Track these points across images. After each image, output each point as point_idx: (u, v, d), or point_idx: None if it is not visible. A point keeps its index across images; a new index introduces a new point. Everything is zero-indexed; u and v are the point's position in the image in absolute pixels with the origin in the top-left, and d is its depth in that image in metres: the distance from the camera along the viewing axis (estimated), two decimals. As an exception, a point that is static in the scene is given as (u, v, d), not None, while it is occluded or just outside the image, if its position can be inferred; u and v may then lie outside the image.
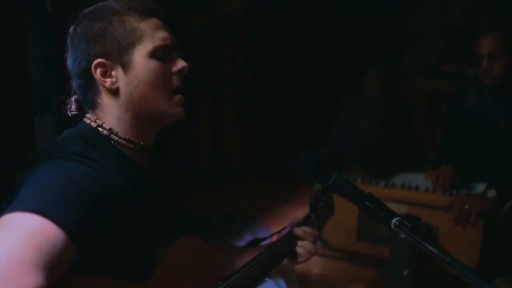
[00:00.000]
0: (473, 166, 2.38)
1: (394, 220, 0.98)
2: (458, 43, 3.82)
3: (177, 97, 1.15)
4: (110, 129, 1.11)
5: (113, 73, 1.10)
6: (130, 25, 1.10)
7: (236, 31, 3.85)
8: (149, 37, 1.10)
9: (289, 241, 1.47)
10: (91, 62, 1.09)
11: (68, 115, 1.19)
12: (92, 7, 1.14)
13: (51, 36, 2.01)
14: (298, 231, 1.48)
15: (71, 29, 1.14)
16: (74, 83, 1.15)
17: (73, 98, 1.18)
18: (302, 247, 1.46)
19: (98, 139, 1.10)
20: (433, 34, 3.94)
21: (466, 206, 2.15)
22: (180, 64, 1.15)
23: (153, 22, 1.12)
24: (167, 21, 1.17)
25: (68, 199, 0.90)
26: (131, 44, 1.09)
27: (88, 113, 1.15)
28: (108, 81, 1.10)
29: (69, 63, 1.14)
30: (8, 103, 1.86)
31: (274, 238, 1.54)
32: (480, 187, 2.35)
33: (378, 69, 3.85)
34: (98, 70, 1.09)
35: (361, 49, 3.89)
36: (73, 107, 1.18)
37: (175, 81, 1.15)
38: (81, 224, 0.89)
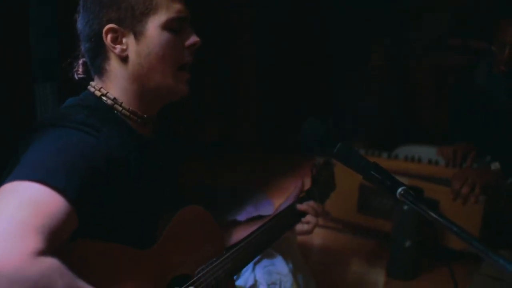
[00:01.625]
0: (480, 141, 2.36)
1: (399, 190, 0.98)
2: (465, 17, 3.77)
3: (183, 74, 1.14)
4: (114, 99, 1.10)
5: (124, 40, 1.08)
6: None
7: (241, 11, 3.82)
8: (165, 8, 1.09)
9: (291, 214, 1.48)
10: (103, 27, 1.07)
11: (72, 80, 1.17)
12: None
13: (52, 5, 1.98)
14: (302, 206, 1.49)
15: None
16: (83, 46, 1.14)
17: (80, 61, 1.17)
18: (304, 220, 1.48)
19: (101, 109, 1.09)
20: (440, 8, 3.89)
21: (470, 180, 2.14)
22: (193, 39, 1.14)
23: None
24: None
25: (70, 168, 0.90)
26: (146, 12, 1.08)
27: (93, 80, 1.14)
28: (118, 48, 1.08)
29: (80, 25, 1.12)
30: (8, 73, 1.84)
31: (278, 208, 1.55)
32: (486, 160, 2.34)
33: (384, 43, 3.82)
34: (109, 36, 1.08)
35: (367, 23, 3.84)
36: (80, 70, 1.17)
37: (185, 56, 1.14)
38: (83, 193, 0.89)
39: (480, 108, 2.35)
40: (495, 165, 2.19)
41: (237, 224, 1.56)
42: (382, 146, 2.63)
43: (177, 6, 1.11)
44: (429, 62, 3.90)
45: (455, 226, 0.90)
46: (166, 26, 1.09)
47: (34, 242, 0.78)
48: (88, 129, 1.00)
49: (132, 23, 1.08)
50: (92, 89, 1.12)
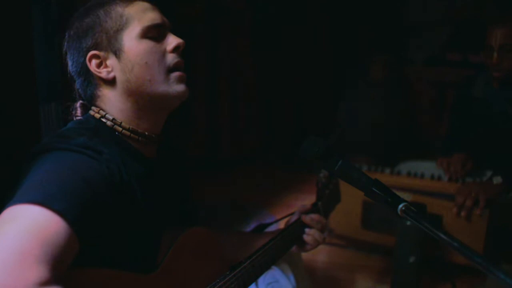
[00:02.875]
0: (479, 154, 2.37)
1: (400, 206, 0.98)
2: (464, 32, 3.80)
3: (175, 74, 1.13)
4: (113, 119, 1.11)
5: (108, 62, 1.10)
6: (116, 13, 1.10)
7: (237, 19, 3.84)
8: (137, 20, 1.10)
9: (296, 229, 1.47)
10: (86, 56, 1.10)
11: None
12: (80, 9, 1.16)
13: (55, 26, 2.01)
14: (306, 218, 1.47)
15: (66, 35, 1.15)
16: (76, 84, 1.16)
17: (78, 104, 1.17)
18: (309, 235, 1.46)
19: (102, 130, 1.09)
20: (439, 23, 3.92)
21: (473, 194, 2.15)
22: (175, 41, 1.14)
23: (139, 5, 1.13)
24: (160, 6, 1.16)
25: (71, 191, 0.90)
26: (119, 29, 1.10)
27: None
28: (103, 72, 1.10)
29: (70, 66, 1.15)
30: (13, 93, 1.86)
31: (280, 224, 1.54)
32: (486, 175, 2.35)
33: (384, 58, 3.84)
34: (93, 62, 1.10)
35: (367, 38, 3.87)
36: (78, 112, 1.17)
37: (171, 59, 1.13)
38: (84, 217, 0.89)
39: (480, 121, 2.36)
40: (497, 179, 2.20)
41: (242, 234, 1.56)
42: (384, 162, 2.64)
43: (149, 15, 1.12)
44: (429, 76, 3.92)
45: (456, 242, 0.90)
46: (143, 35, 1.10)
47: (37, 272, 0.77)
48: (89, 151, 1.00)
49: (110, 44, 1.10)
50: (92, 112, 1.13)
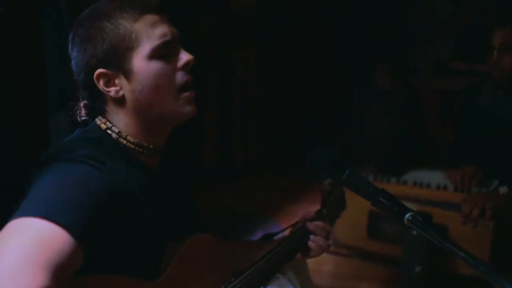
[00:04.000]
0: (486, 164, 2.37)
1: (407, 215, 0.99)
2: (470, 41, 3.81)
3: (186, 95, 1.10)
4: (119, 133, 1.09)
5: (117, 81, 1.06)
6: (124, 29, 1.04)
7: (246, 29, 3.86)
8: (146, 37, 1.05)
9: (301, 236, 1.46)
10: (92, 73, 1.05)
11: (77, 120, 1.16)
12: (86, 12, 1.10)
13: (65, 37, 2.04)
14: (311, 225, 1.46)
15: (70, 37, 1.10)
16: (82, 92, 1.13)
17: (82, 104, 1.15)
18: (314, 242, 1.45)
19: (107, 141, 1.08)
20: (445, 32, 3.93)
21: (479, 204, 2.15)
22: (185, 58, 1.10)
23: (148, 19, 1.06)
24: (170, 15, 1.11)
25: (76, 204, 0.90)
26: (129, 49, 1.04)
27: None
28: (112, 90, 1.07)
29: (75, 75, 1.11)
30: (24, 103, 1.89)
31: (287, 233, 1.55)
32: (493, 184, 2.35)
33: (389, 66, 3.85)
34: (101, 81, 1.06)
35: (372, 47, 3.88)
36: (83, 112, 1.14)
37: (182, 77, 1.09)
38: (89, 229, 0.89)
39: (486, 130, 2.36)
40: (503, 189, 2.20)
41: (248, 243, 1.55)
42: (390, 171, 2.64)
43: (159, 31, 1.06)
44: (435, 85, 3.93)
45: (463, 252, 0.91)
46: (152, 56, 1.05)
47: (40, 279, 0.78)
48: (93, 162, 0.99)
49: (118, 63, 1.05)
50: (98, 122, 1.11)
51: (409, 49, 4.04)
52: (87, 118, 1.14)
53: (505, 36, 2.14)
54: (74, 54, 1.09)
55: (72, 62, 1.10)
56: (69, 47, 1.10)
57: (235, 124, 3.96)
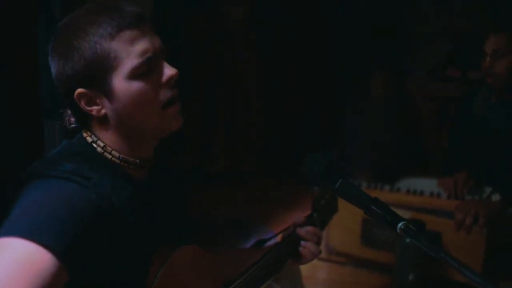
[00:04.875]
0: (479, 171, 2.38)
1: (400, 225, 0.99)
2: (464, 48, 3.83)
3: (170, 110, 1.06)
4: (104, 147, 1.06)
5: (98, 100, 1.03)
6: (101, 48, 0.99)
7: (246, 29, 3.87)
8: (125, 56, 1.00)
9: (291, 242, 1.44)
10: (72, 92, 1.01)
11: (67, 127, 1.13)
12: (63, 23, 1.05)
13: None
14: (301, 231, 1.44)
15: (49, 48, 1.05)
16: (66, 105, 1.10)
17: (70, 111, 1.11)
18: (305, 248, 1.43)
19: (92, 155, 1.06)
20: (439, 39, 3.95)
21: (472, 211, 2.16)
22: (168, 73, 1.05)
23: (126, 35, 1.00)
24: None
25: (59, 223, 0.88)
26: (107, 69, 1.00)
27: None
28: (94, 110, 1.03)
29: (57, 88, 1.06)
30: (18, 110, 1.88)
31: (279, 239, 1.54)
32: (486, 192, 2.35)
33: (384, 73, 3.86)
34: (82, 101, 1.02)
35: (367, 53, 3.90)
36: (72, 119, 1.12)
37: (165, 93, 1.05)
38: (73, 248, 0.88)
39: (480, 137, 2.37)
40: (496, 197, 2.21)
41: (239, 251, 1.54)
42: (384, 178, 2.65)
43: (138, 48, 1.01)
44: (429, 92, 3.94)
45: (455, 261, 0.91)
46: (133, 75, 1.01)
47: None
48: (77, 178, 0.97)
49: (98, 84, 1.01)
50: (84, 134, 1.09)
51: (404, 55, 4.05)
52: (77, 125, 1.11)
53: (499, 43, 2.16)
54: (52, 69, 1.05)
55: (52, 73, 1.05)
56: (49, 58, 1.06)
57: (228, 130, 3.96)
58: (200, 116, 3.79)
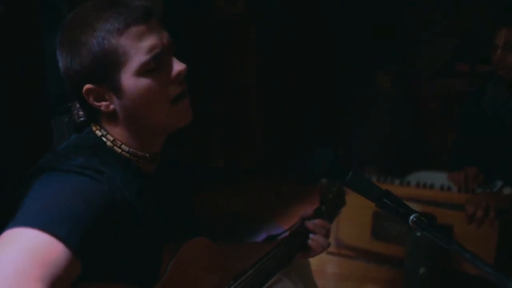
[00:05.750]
0: (490, 165, 2.37)
1: (412, 217, 0.99)
2: (472, 42, 3.81)
3: (179, 106, 1.07)
4: (113, 141, 1.07)
5: (106, 96, 1.03)
6: (109, 45, 0.99)
7: (246, 29, 3.87)
8: (133, 52, 0.99)
9: (300, 235, 1.44)
10: (81, 88, 1.01)
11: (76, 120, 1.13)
12: (70, 16, 1.05)
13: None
14: (309, 224, 1.44)
15: (57, 42, 1.04)
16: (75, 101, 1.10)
17: (78, 105, 1.11)
18: (314, 240, 1.42)
19: (102, 148, 1.06)
20: (446, 33, 3.93)
21: (483, 204, 2.14)
22: (176, 68, 1.05)
23: (134, 31, 1.00)
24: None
25: (72, 216, 0.89)
26: (115, 65, 1.00)
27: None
28: (103, 105, 1.03)
29: (64, 81, 1.06)
30: (26, 106, 1.89)
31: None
32: (497, 185, 2.34)
33: (391, 69, 3.85)
34: (91, 96, 1.02)
35: (373, 48, 3.88)
36: (80, 113, 1.12)
37: (174, 89, 1.05)
38: (86, 241, 0.88)
39: (489, 131, 2.36)
40: (508, 190, 2.19)
41: (249, 245, 1.54)
42: (393, 173, 2.64)
43: (146, 44, 1.00)
44: (437, 87, 3.92)
45: (468, 253, 0.91)
46: (141, 72, 1.00)
47: None
48: (89, 172, 0.97)
49: (106, 80, 1.01)
50: (93, 128, 1.09)
51: (410, 51, 4.03)
52: (85, 119, 1.11)
53: (509, 35, 2.14)
54: (60, 64, 1.04)
55: (60, 70, 1.05)
56: (57, 53, 1.05)
57: (236, 127, 3.96)
58: (199, 114, 3.80)
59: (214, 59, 3.78)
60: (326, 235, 1.45)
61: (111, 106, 1.04)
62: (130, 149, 1.08)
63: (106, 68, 1.00)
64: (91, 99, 1.03)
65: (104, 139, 1.07)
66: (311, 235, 1.44)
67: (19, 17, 1.90)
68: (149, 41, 1.00)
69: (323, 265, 2.45)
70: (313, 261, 1.55)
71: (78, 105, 1.11)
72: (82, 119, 1.11)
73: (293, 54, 4.02)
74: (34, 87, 2.05)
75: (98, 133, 1.07)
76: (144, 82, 1.01)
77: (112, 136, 1.07)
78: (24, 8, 1.96)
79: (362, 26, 3.94)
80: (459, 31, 3.91)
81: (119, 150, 1.07)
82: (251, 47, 3.93)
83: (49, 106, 2.00)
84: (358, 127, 3.60)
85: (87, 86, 1.01)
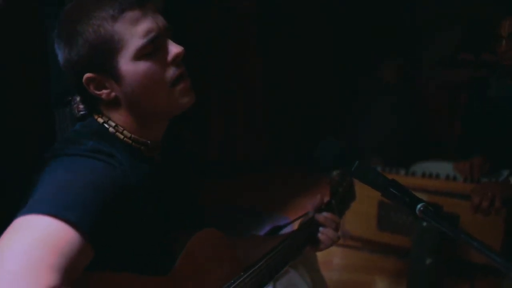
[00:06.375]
0: (495, 154, 2.36)
1: (419, 206, 0.97)
2: (476, 31, 3.78)
3: (179, 87, 1.06)
4: (115, 127, 1.07)
5: (107, 84, 1.03)
6: (105, 30, 0.99)
7: (247, 28, 3.86)
8: (129, 37, 1.00)
9: (310, 228, 1.44)
10: (81, 77, 1.02)
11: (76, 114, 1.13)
12: (67, 8, 1.05)
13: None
14: (320, 217, 1.44)
15: (54, 34, 1.05)
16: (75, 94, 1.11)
17: (78, 98, 1.11)
18: (323, 234, 1.43)
19: (106, 134, 1.06)
20: (451, 23, 3.90)
21: (489, 194, 2.13)
22: (173, 51, 1.05)
23: (129, 16, 1.00)
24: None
25: (84, 201, 0.89)
26: (112, 52, 1.00)
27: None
28: (104, 93, 1.04)
29: (64, 72, 1.07)
30: (28, 98, 1.89)
31: (295, 225, 1.53)
32: (503, 175, 2.33)
33: (396, 61, 3.83)
34: (91, 85, 1.03)
35: (372, 46, 3.86)
36: (80, 106, 1.11)
37: (173, 72, 1.05)
38: (98, 226, 0.88)
39: (494, 120, 2.35)
40: (514, 179, 2.19)
41: (256, 237, 1.54)
42: (398, 163, 2.63)
43: (142, 28, 1.01)
44: (442, 77, 3.91)
45: (476, 241, 0.89)
46: (138, 56, 1.01)
47: (49, 280, 0.77)
48: (100, 155, 0.98)
49: (105, 67, 1.01)
50: (95, 116, 1.09)
51: (415, 42, 4.01)
52: (85, 112, 1.11)
53: None
54: (59, 56, 1.05)
55: (60, 61, 1.05)
56: (55, 47, 1.05)
57: (242, 119, 3.96)
58: (215, 108, 3.80)
59: (214, 57, 3.77)
60: (336, 229, 1.46)
61: (112, 94, 1.04)
62: (132, 135, 1.08)
63: (104, 55, 1.00)
64: (91, 88, 1.03)
65: (106, 125, 1.07)
66: (321, 228, 1.44)
67: (19, 15, 1.89)
68: (144, 25, 1.01)
69: (329, 256, 2.45)
70: (319, 253, 1.55)
71: (78, 99, 1.12)
72: (82, 112, 1.11)
73: (293, 54, 4.00)
74: (34, 87, 2.04)
75: (100, 120, 1.07)
76: (142, 66, 1.01)
77: (114, 122, 1.07)
78: (24, 8, 1.95)
79: (362, 24, 3.93)
80: (463, 21, 3.89)
81: (121, 136, 1.07)
82: (251, 47, 3.92)
83: (54, 98, 2.00)
84: (364, 118, 3.59)
85: (87, 75, 1.01)
